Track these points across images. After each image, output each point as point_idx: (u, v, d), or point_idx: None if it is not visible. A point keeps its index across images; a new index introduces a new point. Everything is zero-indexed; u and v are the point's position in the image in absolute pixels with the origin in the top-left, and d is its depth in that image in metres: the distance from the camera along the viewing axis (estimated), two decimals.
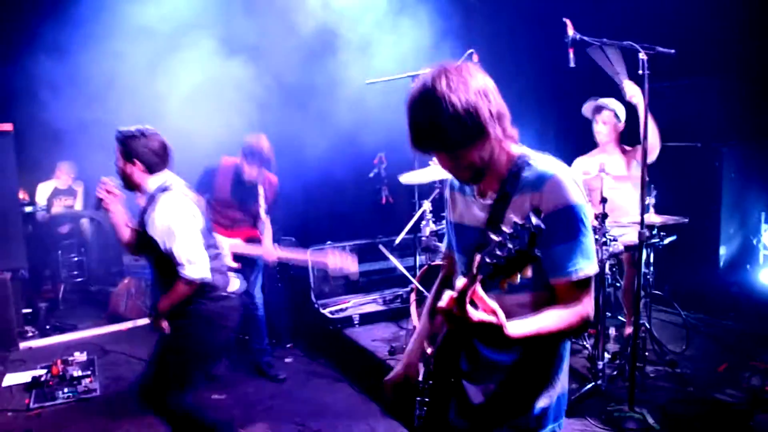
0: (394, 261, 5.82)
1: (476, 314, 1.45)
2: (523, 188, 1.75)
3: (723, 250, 5.91)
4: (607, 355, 4.41)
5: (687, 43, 4.53)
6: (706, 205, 5.86)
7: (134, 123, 3.33)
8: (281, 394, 4.83)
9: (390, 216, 6.65)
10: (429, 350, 1.91)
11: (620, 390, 4.11)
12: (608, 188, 4.47)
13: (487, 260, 1.37)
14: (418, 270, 5.51)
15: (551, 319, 1.66)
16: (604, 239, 4.28)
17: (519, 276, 1.35)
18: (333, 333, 5.88)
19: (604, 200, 4.33)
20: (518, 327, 1.56)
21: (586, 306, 1.71)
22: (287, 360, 5.58)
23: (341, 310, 6.16)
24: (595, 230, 4.32)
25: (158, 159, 3.23)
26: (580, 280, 1.70)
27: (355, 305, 6.30)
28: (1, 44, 6.41)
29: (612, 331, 4.98)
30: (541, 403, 1.86)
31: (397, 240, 5.62)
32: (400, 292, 6.42)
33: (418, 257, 5.88)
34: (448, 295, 1.45)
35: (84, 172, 7.57)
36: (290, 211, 6.08)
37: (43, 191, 7.52)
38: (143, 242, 3.24)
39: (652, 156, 4.42)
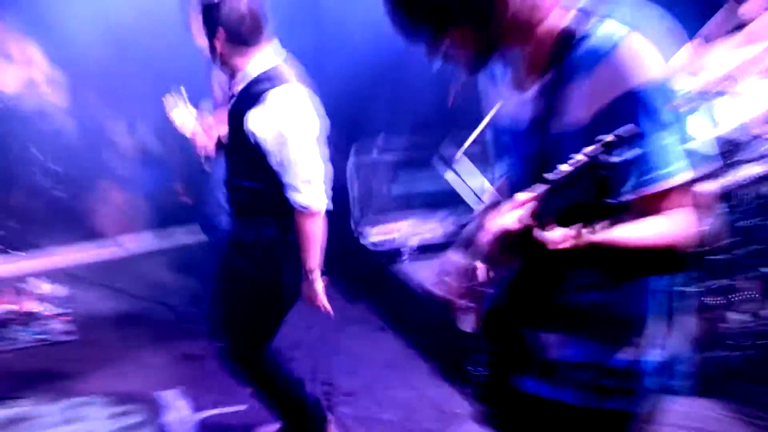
0: (455, 177, 5.37)
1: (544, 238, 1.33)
2: (574, 73, 1.58)
3: None
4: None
5: None
6: None
7: None
8: (306, 343, 4.58)
9: (462, 115, 6.01)
10: (480, 274, 1.89)
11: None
12: None
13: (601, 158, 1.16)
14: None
15: (648, 226, 1.51)
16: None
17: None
18: (377, 268, 5.65)
19: None
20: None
21: (681, 223, 1.53)
22: None
23: (389, 239, 5.82)
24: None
25: (250, 25, 3.05)
26: (665, 191, 1.53)
27: (408, 234, 5.89)
28: None
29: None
30: (622, 354, 1.75)
31: (464, 147, 5.19)
32: (464, 221, 5.59)
33: (492, 175, 5.31)
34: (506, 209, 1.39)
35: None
36: (333, 98, 5.62)
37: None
38: (235, 146, 3.19)
39: None
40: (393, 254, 5.68)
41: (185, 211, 7.01)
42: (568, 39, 1.60)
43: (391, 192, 6.30)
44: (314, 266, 3.17)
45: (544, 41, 1.63)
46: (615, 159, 1.16)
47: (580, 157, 1.20)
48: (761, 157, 3.85)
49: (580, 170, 1.19)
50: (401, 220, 6.16)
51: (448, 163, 5.46)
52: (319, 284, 3.20)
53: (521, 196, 1.35)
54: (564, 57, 1.59)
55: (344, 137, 5.95)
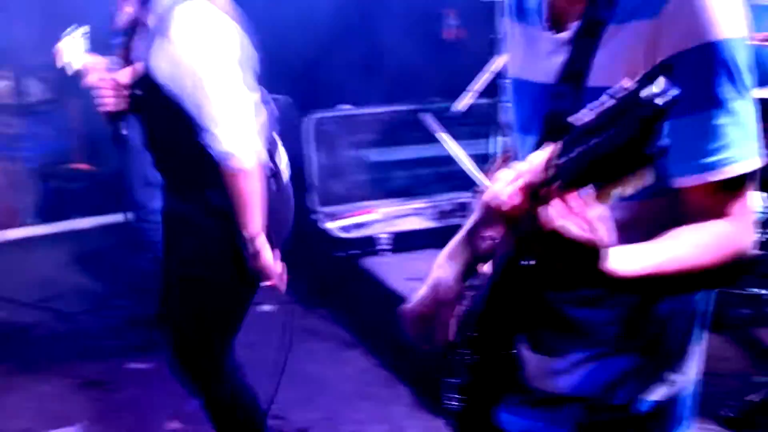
0: (449, 142, 5.30)
1: (556, 218, 1.15)
2: (631, 9, 1.46)
3: None
4: None
5: None
6: None
7: None
8: (248, 364, 4.04)
9: (456, 63, 6.05)
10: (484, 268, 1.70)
11: None
12: None
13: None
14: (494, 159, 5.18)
15: (686, 245, 1.38)
16: None
17: (642, 176, 1.06)
18: (344, 264, 5.31)
19: None
20: (628, 258, 1.30)
21: (741, 227, 1.41)
22: (265, 308, 4.89)
23: (361, 225, 5.48)
24: None
25: None
26: (728, 180, 1.39)
27: (386, 218, 5.57)
28: None
29: None
30: (654, 394, 1.63)
31: (461, 104, 5.27)
32: (464, 199, 5.64)
33: (498, 139, 5.40)
34: (506, 175, 1.27)
35: None
36: (283, 50, 5.28)
37: None
38: (145, 95, 3.03)
39: None
40: (366, 244, 5.35)
41: (84, 186, 6.74)
42: None
43: (366, 160, 5.94)
44: (255, 231, 2.98)
45: None
46: (665, 96, 1.01)
47: (606, 99, 1.11)
48: None
49: (609, 114, 1.08)
50: (379, 198, 5.86)
51: (448, 120, 5.40)
52: (267, 253, 2.97)
53: (528, 160, 1.25)
54: None
55: (302, 88, 5.89)
